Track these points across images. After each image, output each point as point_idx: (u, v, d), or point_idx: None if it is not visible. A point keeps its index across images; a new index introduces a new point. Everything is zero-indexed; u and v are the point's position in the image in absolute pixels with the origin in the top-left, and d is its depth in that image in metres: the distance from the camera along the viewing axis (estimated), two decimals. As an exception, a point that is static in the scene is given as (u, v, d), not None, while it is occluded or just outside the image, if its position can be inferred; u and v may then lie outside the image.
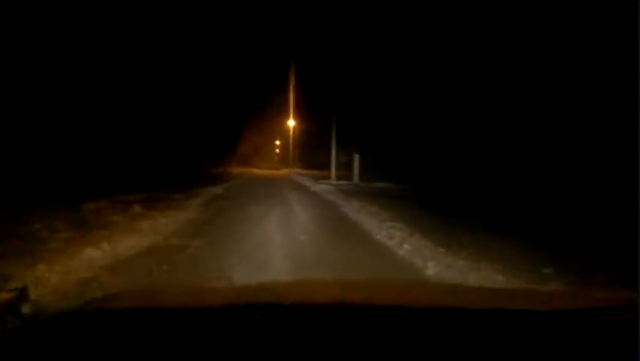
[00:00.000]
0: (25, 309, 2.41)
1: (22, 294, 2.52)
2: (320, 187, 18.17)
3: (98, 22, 17.77)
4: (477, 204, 11.78)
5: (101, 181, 14.77)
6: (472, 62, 19.88)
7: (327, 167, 40.58)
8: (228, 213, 9.20)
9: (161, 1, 24.17)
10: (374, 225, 7.82)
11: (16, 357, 0.89)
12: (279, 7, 41.41)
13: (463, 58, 20.33)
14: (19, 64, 14.50)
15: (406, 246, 6.10)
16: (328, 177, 25.81)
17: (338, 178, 23.93)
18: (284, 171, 42.63)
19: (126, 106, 20.76)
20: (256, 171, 42.38)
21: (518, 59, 16.34)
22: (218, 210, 9.83)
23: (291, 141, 48.48)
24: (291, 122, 47.87)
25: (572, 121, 13.41)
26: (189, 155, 31.17)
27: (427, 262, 5.13)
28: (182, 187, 14.65)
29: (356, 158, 23.95)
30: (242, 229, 6.96)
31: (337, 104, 24.63)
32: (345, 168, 28.56)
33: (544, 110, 15.17)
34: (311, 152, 45.54)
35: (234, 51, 37.75)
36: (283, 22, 38.82)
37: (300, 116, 46.12)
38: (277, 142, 66.16)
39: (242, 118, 43.76)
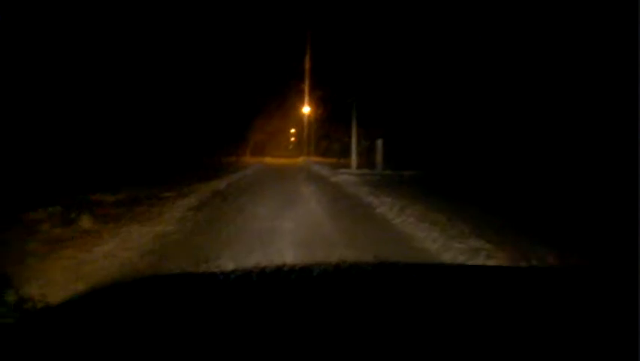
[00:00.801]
0: (9, 297, 2.17)
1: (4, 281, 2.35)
2: (341, 178, 15.38)
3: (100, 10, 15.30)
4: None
5: (90, 175, 12.27)
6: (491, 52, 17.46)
7: (344, 154, 37.74)
8: (219, 225, 6.19)
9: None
10: (440, 243, 5.03)
11: None
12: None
13: (481, 47, 17.78)
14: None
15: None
16: (348, 166, 22.96)
17: (359, 166, 21.09)
18: (299, 160, 39.84)
19: (133, 94, 18.46)
20: (270, 160, 39.65)
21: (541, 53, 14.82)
22: (208, 218, 6.88)
23: (306, 127, 45.64)
24: (306, 109, 44.98)
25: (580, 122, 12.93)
26: (199, 144, 28.65)
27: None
28: (180, 181, 12.05)
29: (379, 144, 21.05)
30: (232, 262, 4.26)
31: (357, 87, 21.69)
32: (364, 155, 25.79)
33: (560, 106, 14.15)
34: (327, 139, 42.70)
35: (247, 36, 34.80)
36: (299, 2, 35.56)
37: (315, 102, 43.20)
38: (292, 130, 63.40)
39: (255, 105, 40.90)
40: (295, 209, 7.99)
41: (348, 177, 15.62)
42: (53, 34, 13.34)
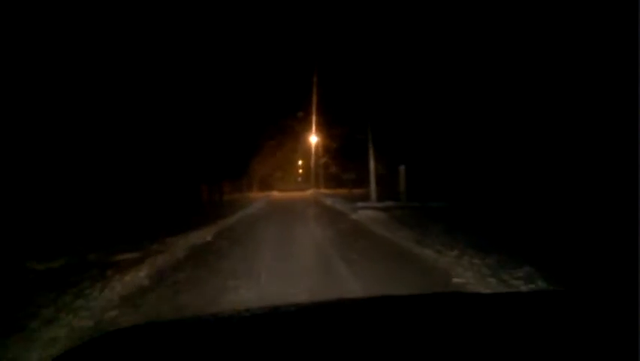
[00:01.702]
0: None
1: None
2: (364, 215, 12.13)
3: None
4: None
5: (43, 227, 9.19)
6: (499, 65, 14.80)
7: (356, 185, 34.62)
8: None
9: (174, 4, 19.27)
10: None
11: None
12: (300, 14, 35.71)
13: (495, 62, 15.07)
14: None
15: None
16: (364, 198, 19.72)
17: (379, 198, 17.85)
18: (309, 193, 36.67)
19: (122, 124, 15.62)
20: (278, 194, 36.52)
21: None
22: (156, 306, 3.82)
23: (313, 157, 42.77)
24: (314, 138, 42.19)
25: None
26: (199, 180, 25.69)
27: None
28: (159, 230, 8.92)
29: (402, 171, 17.83)
30: None
31: (372, 109, 18.71)
32: (380, 185, 22.67)
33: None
34: (337, 169, 39.64)
35: (252, 67, 32.23)
36: (305, 29, 33.03)
37: (323, 132, 40.44)
38: (300, 162, 60.58)
39: (260, 139, 38.13)
40: (311, 279, 4.78)
41: (372, 212, 12.35)
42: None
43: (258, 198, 24.75)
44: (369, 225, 10.04)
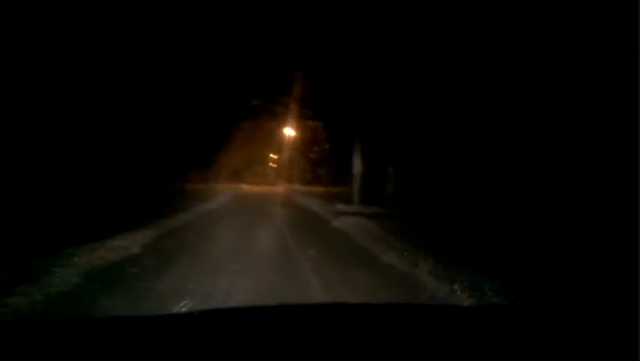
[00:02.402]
0: None
1: None
2: (351, 223, 9.49)
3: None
4: None
5: None
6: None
7: (334, 182, 32.07)
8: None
9: None
10: None
11: None
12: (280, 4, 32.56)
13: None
14: None
15: None
16: (344, 198, 17.19)
17: (363, 201, 15.33)
18: (280, 189, 33.89)
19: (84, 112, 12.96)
20: (246, 187, 33.55)
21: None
22: None
23: (286, 150, 40.00)
24: (288, 131, 39.43)
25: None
26: (160, 168, 22.63)
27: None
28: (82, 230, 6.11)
29: (390, 173, 15.36)
30: None
31: (360, 105, 16.15)
32: (358, 185, 20.36)
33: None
34: (311, 165, 37.03)
35: (225, 53, 28.95)
36: (285, 18, 29.98)
37: (300, 127, 37.71)
38: (271, 155, 57.61)
39: (230, 128, 34.97)
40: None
41: (359, 221, 9.75)
42: None
43: (224, 191, 21.82)
44: (357, 237, 7.41)
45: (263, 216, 11.09)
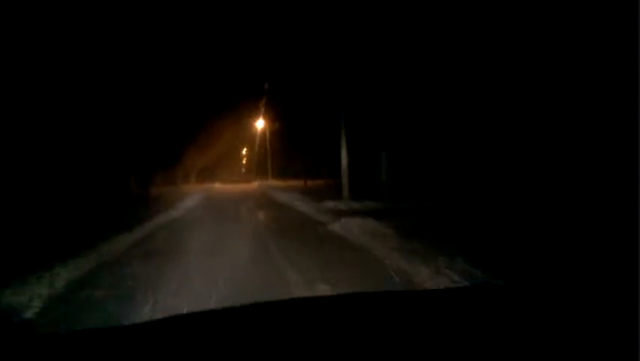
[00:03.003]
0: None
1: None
2: (353, 226, 7.22)
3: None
4: None
5: None
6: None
7: (308, 175, 29.73)
8: None
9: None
10: None
11: None
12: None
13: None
14: None
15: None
16: (329, 193, 14.98)
17: (354, 196, 13.12)
18: (255, 186, 31.40)
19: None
20: (218, 187, 30.90)
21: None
22: None
23: (259, 140, 37.52)
24: (260, 123, 36.88)
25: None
26: (127, 168, 19.93)
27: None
28: None
29: (383, 160, 13.21)
30: None
31: (343, 87, 13.91)
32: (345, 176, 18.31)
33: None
34: (287, 159, 34.62)
35: (190, 45, 25.90)
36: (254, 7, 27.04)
37: (273, 117, 35.17)
38: (244, 151, 54.82)
39: (198, 124, 31.94)
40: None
41: (363, 222, 7.51)
42: None
43: (193, 193, 19.22)
44: (388, 258, 5.15)
45: (240, 225, 8.73)
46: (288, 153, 31.76)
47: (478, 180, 12.71)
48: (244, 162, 56.96)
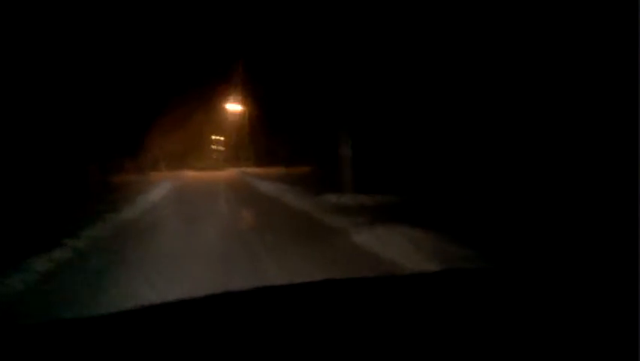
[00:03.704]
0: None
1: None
2: (400, 239, 4.80)
3: None
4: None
5: None
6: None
7: (288, 162, 27.14)
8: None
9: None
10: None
11: None
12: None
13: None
14: None
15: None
16: (319, 182, 12.52)
17: (356, 187, 10.62)
18: (229, 173, 28.52)
19: None
20: (190, 174, 27.91)
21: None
22: None
23: (233, 127, 34.51)
24: (234, 107, 33.82)
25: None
26: (85, 156, 16.94)
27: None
28: None
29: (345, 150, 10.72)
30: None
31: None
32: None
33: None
34: (265, 144, 31.83)
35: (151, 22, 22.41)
36: None
37: (247, 101, 32.14)
38: (215, 137, 51.32)
39: (164, 107, 28.49)
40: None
41: (408, 232, 5.06)
42: None
43: (162, 182, 16.34)
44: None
45: (217, 232, 6.15)
46: (266, 139, 28.97)
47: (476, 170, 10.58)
48: (216, 148, 53.58)
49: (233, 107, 33.75)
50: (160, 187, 14.28)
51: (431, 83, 11.25)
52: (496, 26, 9.37)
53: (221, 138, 49.19)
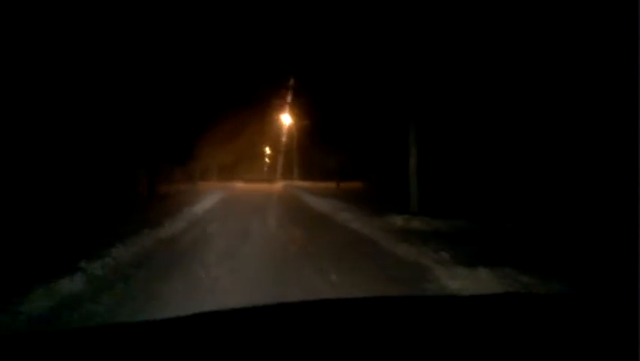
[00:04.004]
0: None
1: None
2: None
3: None
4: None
5: None
6: None
7: (338, 177, 25.90)
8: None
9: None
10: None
11: None
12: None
13: None
14: None
15: None
16: (376, 199, 11.11)
17: (422, 207, 9.09)
18: (279, 187, 27.68)
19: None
20: (240, 186, 27.37)
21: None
22: None
23: (285, 137, 33.84)
24: (287, 118, 33.21)
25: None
26: (134, 162, 16.67)
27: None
28: None
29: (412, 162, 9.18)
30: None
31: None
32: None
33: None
34: (313, 159, 30.84)
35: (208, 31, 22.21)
36: None
37: (299, 113, 31.43)
38: (267, 149, 51.22)
39: (219, 118, 28.22)
40: None
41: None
42: None
43: (209, 194, 15.59)
44: None
45: (271, 264, 4.92)
46: (317, 152, 27.88)
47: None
48: (267, 160, 53.43)
49: (285, 118, 33.14)
50: (208, 199, 13.44)
51: (511, 92, 9.65)
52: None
53: (272, 151, 48.91)
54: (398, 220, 7.96)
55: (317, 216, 9.64)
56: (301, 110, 29.66)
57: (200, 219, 8.84)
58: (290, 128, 33.46)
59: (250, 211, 10.87)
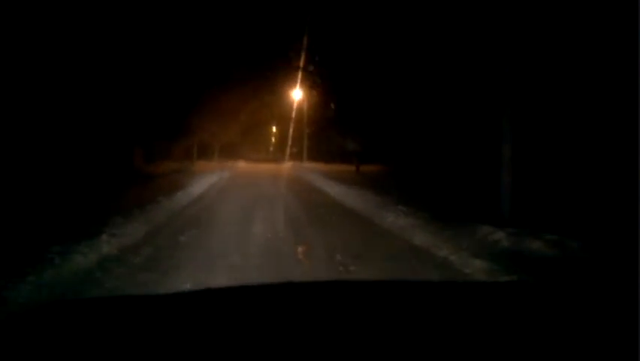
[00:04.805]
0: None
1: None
2: None
3: None
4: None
5: None
6: None
7: (343, 159, 22.96)
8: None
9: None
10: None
11: None
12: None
13: None
14: None
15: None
16: (409, 193, 7.93)
17: (513, 210, 5.91)
18: (287, 168, 24.48)
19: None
20: (243, 166, 24.24)
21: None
22: None
23: (297, 121, 30.46)
24: (297, 94, 29.78)
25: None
26: (131, 139, 14.44)
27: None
28: None
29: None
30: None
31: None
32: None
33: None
34: (322, 137, 27.62)
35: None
36: None
37: (310, 89, 27.99)
38: (274, 128, 47.87)
39: (222, 91, 24.66)
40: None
41: None
42: None
43: (209, 174, 12.42)
44: None
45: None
46: (331, 131, 24.53)
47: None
48: (273, 139, 50.17)
49: (295, 95, 29.72)
50: (208, 180, 10.32)
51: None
52: None
53: (278, 130, 45.51)
54: (493, 234, 4.75)
55: (350, 219, 6.43)
56: (314, 86, 26.18)
57: (191, 212, 5.65)
58: (301, 105, 30.03)
59: (249, 205, 7.66)
